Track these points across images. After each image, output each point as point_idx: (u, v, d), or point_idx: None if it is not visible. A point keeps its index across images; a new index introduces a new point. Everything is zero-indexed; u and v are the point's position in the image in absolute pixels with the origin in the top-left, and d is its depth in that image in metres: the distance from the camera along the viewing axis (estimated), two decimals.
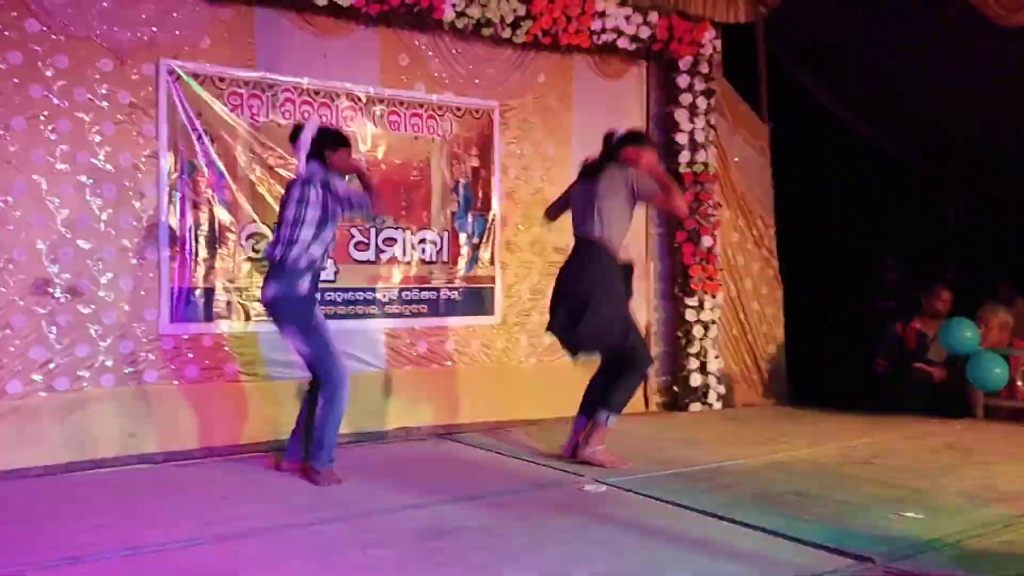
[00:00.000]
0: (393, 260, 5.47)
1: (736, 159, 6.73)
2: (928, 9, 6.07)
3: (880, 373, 6.34)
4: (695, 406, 6.33)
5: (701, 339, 6.36)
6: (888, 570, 2.81)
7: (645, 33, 6.09)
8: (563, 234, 5.43)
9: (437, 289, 5.62)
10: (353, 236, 5.32)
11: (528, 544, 3.09)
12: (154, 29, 4.73)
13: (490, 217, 5.81)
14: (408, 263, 5.52)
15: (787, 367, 6.95)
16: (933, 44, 6.43)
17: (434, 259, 5.61)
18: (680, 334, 6.38)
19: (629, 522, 3.37)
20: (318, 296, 4.14)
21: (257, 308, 4.86)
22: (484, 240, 5.79)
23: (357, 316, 5.33)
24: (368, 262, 5.38)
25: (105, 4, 4.57)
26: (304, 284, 3.96)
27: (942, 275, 7.06)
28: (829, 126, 7.80)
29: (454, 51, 5.65)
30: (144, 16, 4.69)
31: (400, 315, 5.48)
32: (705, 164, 6.41)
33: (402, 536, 3.19)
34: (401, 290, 5.49)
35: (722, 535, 3.19)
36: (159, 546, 3.07)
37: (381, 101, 5.43)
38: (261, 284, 4.18)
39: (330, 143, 4.05)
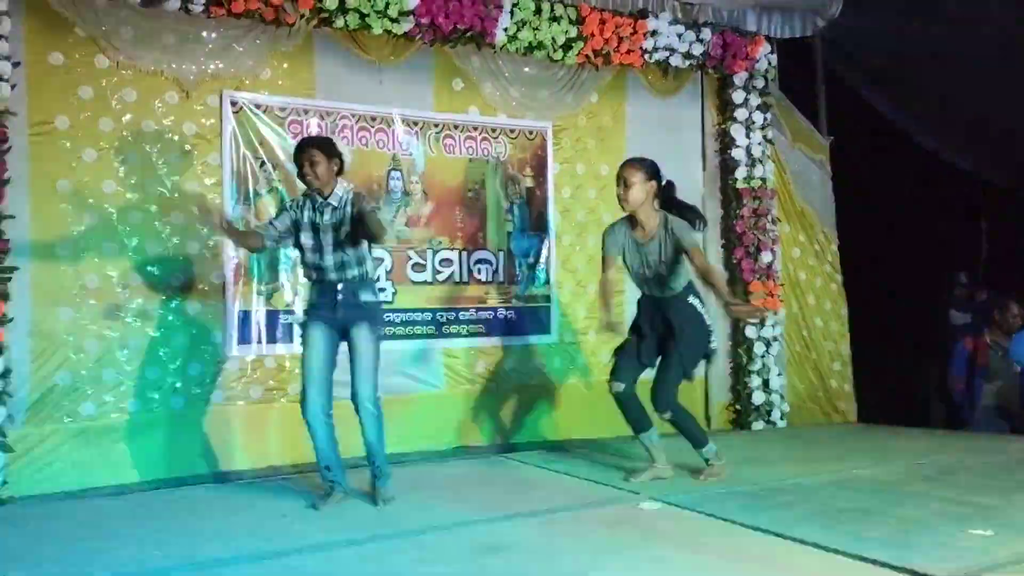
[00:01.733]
0: (450, 281, 5.54)
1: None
2: (992, 18, 5.92)
3: (955, 392, 6.16)
4: (758, 425, 6.22)
5: (763, 356, 6.26)
6: None
7: (698, 50, 6.07)
8: None
9: (494, 309, 5.66)
10: (410, 258, 5.41)
11: (583, 561, 3.08)
12: (218, 62, 4.90)
13: (545, 237, 5.84)
14: (464, 284, 5.58)
15: (855, 385, 6.79)
16: (998, 53, 6.27)
17: (490, 279, 5.66)
18: (741, 352, 6.28)
19: (685, 540, 3.32)
20: (320, 311, 3.93)
21: None
22: (539, 260, 5.82)
23: (415, 336, 5.40)
24: (425, 283, 5.45)
25: (171, 39, 4.77)
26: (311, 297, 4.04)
27: (1014, 289, 6.82)
28: (893, 139, 7.64)
29: (507, 74, 5.72)
30: (208, 49, 4.87)
31: (457, 335, 5.53)
32: (763, 179, 6.35)
33: (456, 553, 3.21)
34: (458, 310, 5.54)
35: (781, 553, 3.12)
36: (218, 561, 3.14)
37: (436, 125, 5.53)
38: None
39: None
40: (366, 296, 3.93)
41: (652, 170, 4.22)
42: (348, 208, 3.85)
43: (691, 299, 4.27)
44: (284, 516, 3.80)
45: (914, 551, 3.03)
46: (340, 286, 3.88)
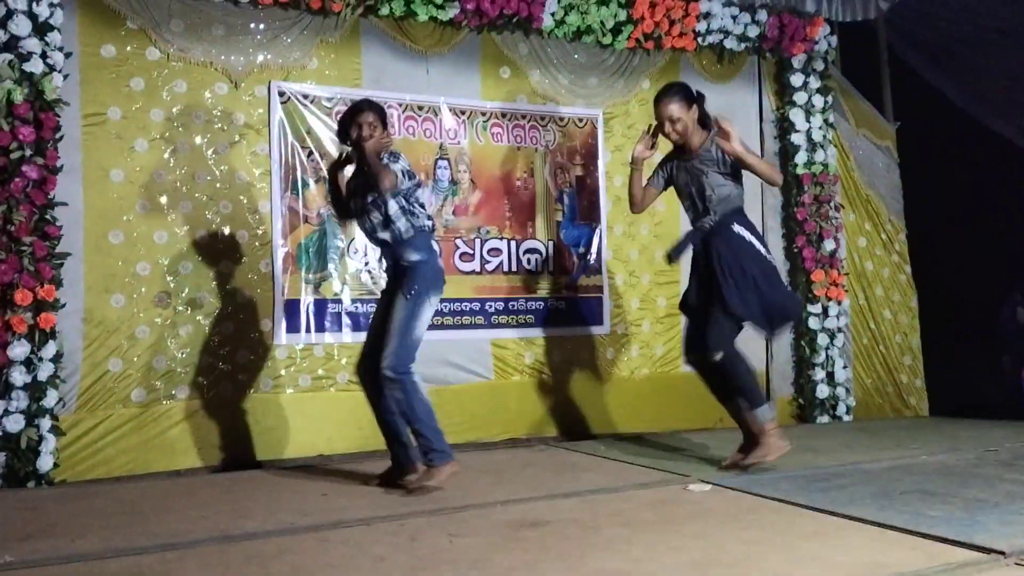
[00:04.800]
0: (499, 271, 5.46)
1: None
2: None
3: (1007, 376, 5.85)
4: (823, 419, 5.96)
5: (827, 348, 6.01)
6: (1021, 563, 2.51)
7: (754, 32, 5.91)
8: (670, 241, 5.31)
9: (544, 299, 5.57)
10: (458, 248, 5.36)
11: (619, 535, 2.95)
12: (266, 53, 4.95)
13: (596, 226, 5.72)
14: (514, 274, 5.50)
15: (927, 379, 6.48)
16: None
17: (540, 269, 5.57)
18: (804, 344, 6.04)
19: (731, 517, 3.16)
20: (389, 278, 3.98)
21: (364, 321, 4.97)
22: (590, 249, 5.70)
23: (463, 327, 5.33)
24: (473, 272, 5.39)
25: (220, 31, 4.83)
26: None
27: None
28: (964, 124, 7.30)
29: (555, 61, 5.65)
30: (256, 40, 4.92)
31: (507, 326, 5.45)
32: (824, 164, 6.12)
33: (492, 527, 3.11)
34: (507, 300, 5.46)
35: (833, 529, 2.94)
36: (251, 534, 3.11)
37: (483, 114, 5.48)
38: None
39: None
40: (409, 256, 3.78)
41: (687, 94, 4.07)
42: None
43: (736, 227, 4.00)
44: (325, 495, 3.77)
45: (978, 528, 2.83)
46: (383, 251, 3.94)
